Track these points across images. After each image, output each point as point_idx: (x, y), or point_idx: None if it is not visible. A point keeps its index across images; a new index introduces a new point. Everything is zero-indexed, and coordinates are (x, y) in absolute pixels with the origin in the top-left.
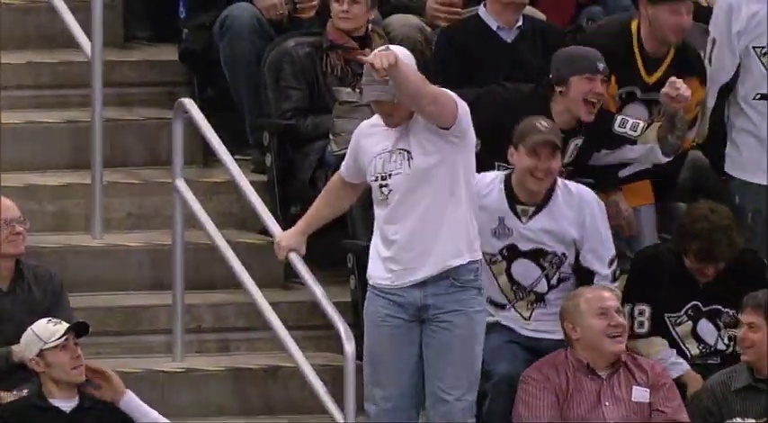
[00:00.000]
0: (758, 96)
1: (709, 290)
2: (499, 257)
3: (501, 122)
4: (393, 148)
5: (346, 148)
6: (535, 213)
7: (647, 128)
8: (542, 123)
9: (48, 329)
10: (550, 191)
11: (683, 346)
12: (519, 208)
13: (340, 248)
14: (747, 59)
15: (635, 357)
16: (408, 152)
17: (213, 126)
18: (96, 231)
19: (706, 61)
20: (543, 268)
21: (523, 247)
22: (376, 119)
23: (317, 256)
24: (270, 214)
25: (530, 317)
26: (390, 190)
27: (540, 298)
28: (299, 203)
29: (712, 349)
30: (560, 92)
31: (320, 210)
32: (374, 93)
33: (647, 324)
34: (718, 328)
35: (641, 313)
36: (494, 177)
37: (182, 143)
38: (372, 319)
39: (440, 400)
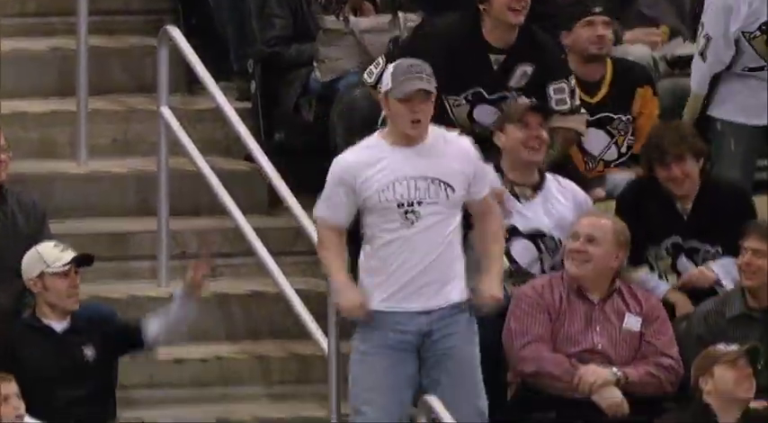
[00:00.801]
0: (746, 69)
1: (692, 225)
2: None
3: (441, 55)
4: (418, 175)
5: (330, 76)
6: (533, 195)
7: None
8: (523, 100)
9: (53, 254)
10: (542, 178)
11: (663, 276)
12: (517, 189)
13: (324, 174)
14: (737, 41)
15: (630, 287)
16: (446, 183)
17: (198, 54)
18: (81, 158)
19: (698, 57)
20: (540, 250)
21: (523, 227)
22: (363, 149)
23: (302, 182)
24: (254, 141)
25: None
26: (419, 217)
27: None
28: (282, 130)
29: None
30: (485, 9)
31: (341, 261)
32: (422, 83)
33: None
34: (696, 265)
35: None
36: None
37: (167, 70)
38: (366, 350)
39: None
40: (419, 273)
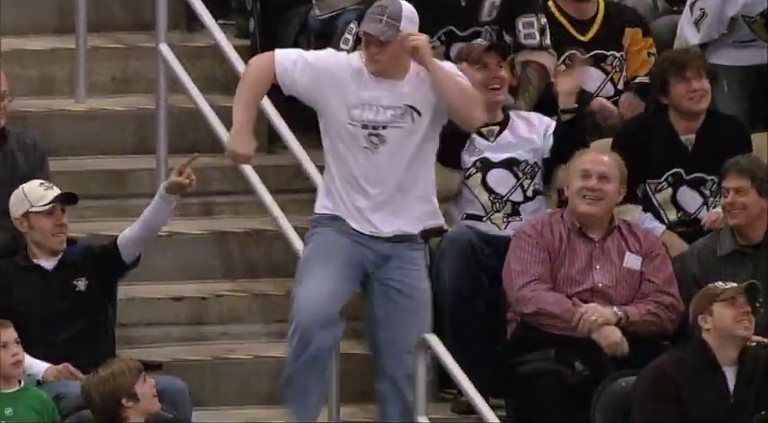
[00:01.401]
0: (739, 43)
1: (697, 156)
2: (473, 170)
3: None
4: (386, 103)
5: (328, 12)
6: (500, 132)
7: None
8: (478, 40)
9: (37, 192)
10: (506, 116)
11: (662, 214)
12: (484, 130)
13: None
14: (735, 21)
15: (630, 225)
16: (412, 108)
17: None
18: (80, 95)
19: (692, 26)
20: (518, 177)
21: (495, 158)
22: (357, 62)
23: (300, 120)
24: None
25: (505, 228)
26: (383, 141)
27: (516, 211)
28: None
29: (692, 217)
30: None
31: (252, 107)
32: (371, 26)
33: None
34: (703, 196)
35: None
36: None
37: (165, 8)
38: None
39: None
40: (377, 198)
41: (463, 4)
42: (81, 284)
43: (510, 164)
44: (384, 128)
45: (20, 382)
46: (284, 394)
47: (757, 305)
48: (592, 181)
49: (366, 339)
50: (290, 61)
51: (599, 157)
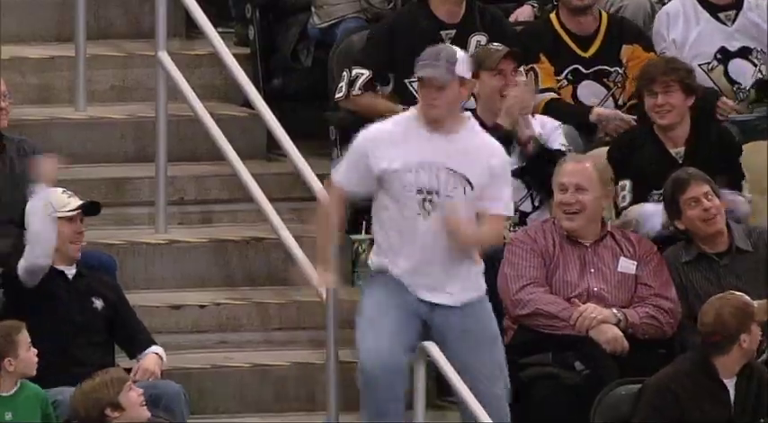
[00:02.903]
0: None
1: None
2: None
3: (397, 40)
4: (440, 165)
5: (328, 20)
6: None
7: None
8: (494, 44)
9: (61, 199)
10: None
11: None
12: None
13: (322, 120)
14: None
15: (623, 231)
16: (466, 178)
17: None
18: (80, 104)
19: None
20: (528, 187)
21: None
22: (392, 125)
23: (300, 128)
24: (252, 86)
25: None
26: (435, 207)
27: (524, 221)
28: (280, 76)
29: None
30: None
31: (331, 237)
32: (428, 70)
33: (628, 197)
34: None
35: (623, 188)
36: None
37: (165, 16)
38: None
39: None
40: (425, 263)
41: (449, 43)
42: (98, 304)
43: (521, 174)
44: (437, 194)
45: (16, 382)
46: None
47: None
48: (567, 195)
49: None
50: (346, 174)
51: (576, 167)
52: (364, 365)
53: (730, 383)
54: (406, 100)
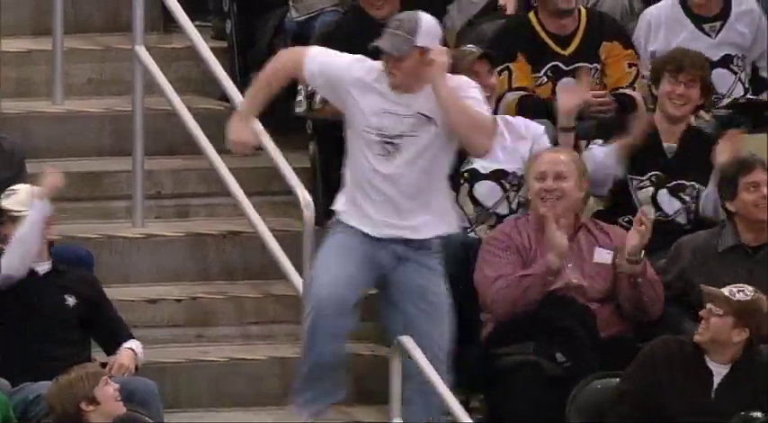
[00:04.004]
0: None
1: (676, 165)
2: (461, 180)
3: (351, 37)
4: (405, 112)
5: (305, 14)
6: None
7: None
8: (469, 46)
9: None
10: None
11: (643, 215)
12: None
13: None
14: None
15: (597, 222)
16: (428, 117)
17: None
18: (57, 97)
19: None
20: (505, 189)
21: (483, 169)
22: (377, 72)
23: (276, 122)
24: (230, 80)
25: None
26: (399, 150)
27: (501, 222)
28: (258, 70)
29: (668, 218)
30: None
31: (265, 95)
32: (385, 41)
33: None
34: (683, 202)
35: (594, 142)
36: None
37: (142, 9)
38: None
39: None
40: (393, 206)
41: None
42: (71, 301)
43: (498, 176)
44: (399, 137)
45: None
46: (300, 386)
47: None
48: (548, 182)
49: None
50: (317, 65)
51: (555, 157)
52: (316, 295)
53: (720, 369)
54: None
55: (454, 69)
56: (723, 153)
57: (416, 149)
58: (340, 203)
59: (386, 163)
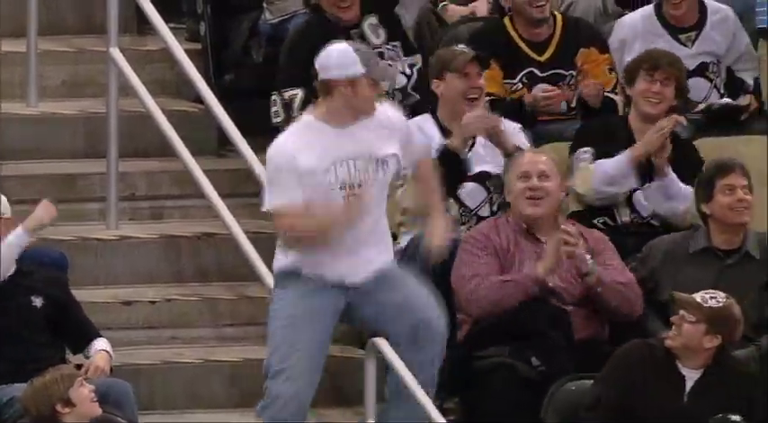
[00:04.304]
0: None
1: (651, 167)
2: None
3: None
4: (353, 157)
5: (279, 16)
6: (472, 144)
7: None
8: (460, 46)
9: (4, 203)
10: None
11: (615, 213)
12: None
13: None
14: None
15: (575, 224)
16: (379, 160)
17: None
18: (32, 99)
19: None
20: (489, 191)
21: (468, 171)
22: (299, 132)
23: (251, 124)
24: (204, 82)
25: None
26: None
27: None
28: (232, 72)
29: (644, 220)
30: None
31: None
32: (378, 68)
33: (589, 161)
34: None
35: (585, 152)
36: (423, 119)
37: (116, 11)
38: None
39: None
40: (358, 249)
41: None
42: (37, 302)
43: (483, 178)
44: (359, 186)
45: None
46: None
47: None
48: (533, 181)
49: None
50: (288, 193)
51: (536, 157)
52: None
53: (692, 374)
54: None
55: (445, 68)
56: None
57: (375, 192)
58: (287, 257)
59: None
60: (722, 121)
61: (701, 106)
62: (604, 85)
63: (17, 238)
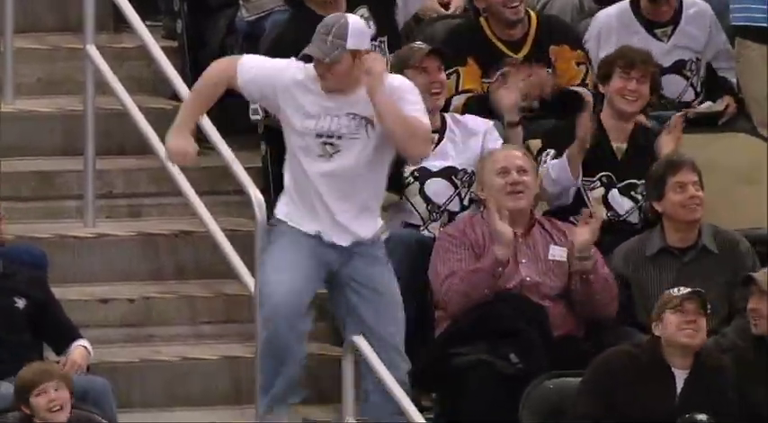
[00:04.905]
0: None
1: (625, 165)
2: (411, 179)
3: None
4: (341, 112)
5: (256, 13)
6: (439, 140)
7: None
8: (417, 43)
9: None
10: (443, 120)
11: (591, 210)
12: None
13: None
14: None
15: (552, 220)
16: (367, 119)
17: None
18: (8, 97)
19: None
20: (456, 187)
21: (433, 167)
22: (313, 75)
23: (228, 122)
24: (180, 80)
25: None
26: (338, 150)
27: (453, 220)
28: None
29: (621, 218)
30: None
31: (201, 108)
32: (314, 48)
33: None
34: (635, 201)
35: (547, 154)
36: None
37: (93, 9)
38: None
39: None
40: (332, 207)
41: None
42: (20, 303)
43: (449, 173)
44: (339, 138)
45: None
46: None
47: (708, 311)
48: (512, 175)
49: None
50: (249, 72)
51: (512, 153)
52: (273, 298)
53: (681, 375)
54: None
55: (403, 66)
56: (667, 145)
57: (356, 150)
58: (282, 205)
59: (325, 164)
60: (700, 124)
61: (676, 115)
62: (571, 80)
63: None
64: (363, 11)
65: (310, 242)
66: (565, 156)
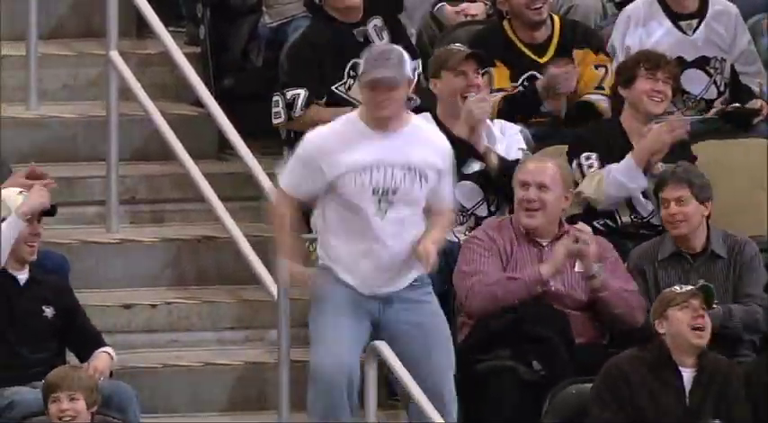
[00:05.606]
0: None
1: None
2: None
3: (321, 52)
4: (395, 163)
5: (279, 20)
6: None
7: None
8: (456, 44)
9: (17, 200)
10: None
11: (615, 214)
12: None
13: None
14: None
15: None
16: (422, 174)
17: None
18: (32, 103)
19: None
20: (486, 191)
21: (466, 170)
22: (338, 128)
23: (251, 127)
24: (203, 86)
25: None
26: (391, 206)
27: (479, 224)
28: (231, 75)
29: (644, 220)
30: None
31: (292, 237)
32: (383, 70)
33: (596, 165)
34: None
35: (588, 158)
36: (425, 118)
37: (116, 15)
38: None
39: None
40: (381, 264)
41: (360, 39)
42: (48, 312)
43: (479, 177)
44: (394, 192)
45: None
46: None
47: (714, 307)
48: (530, 192)
49: None
50: (292, 183)
51: (539, 166)
52: (322, 367)
53: (689, 373)
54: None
55: (441, 67)
56: (657, 137)
57: (409, 203)
58: (323, 255)
59: (378, 220)
60: (733, 124)
61: (714, 110)
62: (588, 83)
63: (10, 224)
64: (377, 21)
65: (353, 294)
66: (632, 157)
